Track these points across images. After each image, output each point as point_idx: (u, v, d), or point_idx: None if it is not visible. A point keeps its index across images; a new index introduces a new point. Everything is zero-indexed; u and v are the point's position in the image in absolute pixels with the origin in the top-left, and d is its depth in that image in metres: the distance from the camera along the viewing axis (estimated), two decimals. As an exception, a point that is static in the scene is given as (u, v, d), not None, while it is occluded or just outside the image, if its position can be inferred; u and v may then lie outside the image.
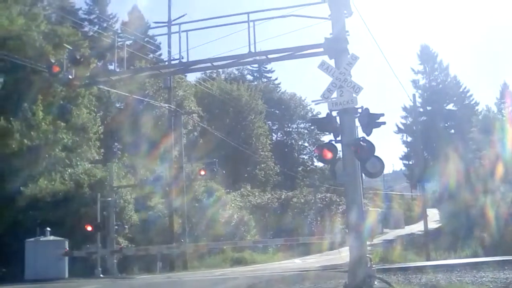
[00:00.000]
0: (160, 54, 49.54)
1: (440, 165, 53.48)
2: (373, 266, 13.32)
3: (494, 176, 38.58)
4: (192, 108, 49.85)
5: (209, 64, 16.85)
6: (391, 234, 56.64)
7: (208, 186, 45.06)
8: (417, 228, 57.90)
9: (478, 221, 34.05)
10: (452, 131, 65.78)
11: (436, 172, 52.06)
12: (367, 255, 12.82)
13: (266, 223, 54.92)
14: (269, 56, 15.92)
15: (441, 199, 46.92)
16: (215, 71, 65.37)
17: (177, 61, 17.01)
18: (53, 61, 17.97)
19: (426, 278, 15.12)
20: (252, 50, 15.02)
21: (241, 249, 40.65)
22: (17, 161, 29.00)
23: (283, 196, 60.56)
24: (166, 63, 21.41)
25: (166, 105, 38.54)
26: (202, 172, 30.04)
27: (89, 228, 27.34)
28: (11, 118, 29.81)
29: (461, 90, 69.16)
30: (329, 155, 12.60)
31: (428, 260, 29.02)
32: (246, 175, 62.25)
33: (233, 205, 47.95)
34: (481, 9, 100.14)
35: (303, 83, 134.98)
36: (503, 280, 14.26)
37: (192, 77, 61.68)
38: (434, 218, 58.29)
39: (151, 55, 46.08)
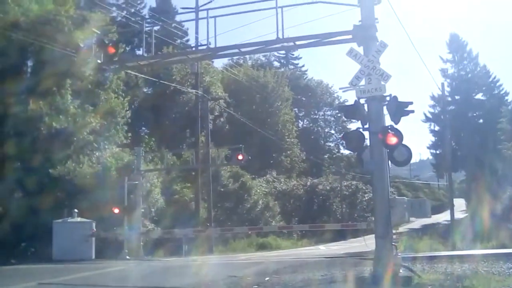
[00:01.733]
0: (188, 40, 49.77)
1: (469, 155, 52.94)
2: (399, 254, 13.27)
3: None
4: (219, 94, 49.99)
5: (236, 50, 16.82)
6: (417, 223, 56.12)
7: (234, 171, 45.28)
8: (443, 217, 57.40)
9: (506, 212, 33.66)
10: (481, 121, 64.70)
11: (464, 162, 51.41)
12: (393, 243, 12.76)
13: (291, 209, 55.09)
14: (297, 43, 15.79)
15: (469, 189, 46.40)
16: (242, 57, 65.51)
17: (204, 47, 17.06)
18: (82, 45, 18.13)
19: (451, 267, 15.00)
20: (280, 36, 14.94)
21: (265, 234, 40.81)
22: (46, 144, 29.45)
23: (308, 183, 60.64)
24: (194, 48, 21.51)
25: (193, 90, 38.73)
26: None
27: (116, 211, 27.96)
28: (40, 102, 30.19)
29: (490, 79, 67.77)
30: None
31: (453, 250, 28.80)
32: (272, 161, 62.33)
33: (258, 191, 48.15)
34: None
35: (330, 70, 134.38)
36: (531, 271, 14.06)
37: (219, 63, 61.84)
38: (460, 208, 57.73)
39: (179, 41, 46.25)
